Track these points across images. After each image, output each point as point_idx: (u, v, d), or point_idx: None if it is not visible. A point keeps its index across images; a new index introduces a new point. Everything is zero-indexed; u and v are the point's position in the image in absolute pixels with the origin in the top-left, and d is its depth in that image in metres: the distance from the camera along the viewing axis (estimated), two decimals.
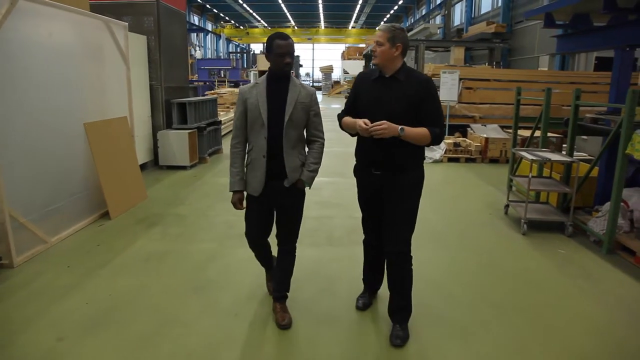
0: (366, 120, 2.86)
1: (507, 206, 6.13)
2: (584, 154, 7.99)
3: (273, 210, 3.28)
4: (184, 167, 8.59)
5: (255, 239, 3.36)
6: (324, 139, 3.29)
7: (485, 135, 10.25)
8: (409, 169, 3.04)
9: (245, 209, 3.26)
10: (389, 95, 2.94)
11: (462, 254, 4.78)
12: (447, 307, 3.65)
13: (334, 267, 4.36)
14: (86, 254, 4.61)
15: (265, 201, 3.17)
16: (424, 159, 3.18)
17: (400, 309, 3.22)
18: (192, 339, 3.14)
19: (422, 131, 2.88)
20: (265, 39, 3.12)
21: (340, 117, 3.23)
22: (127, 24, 6.60)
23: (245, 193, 3.23)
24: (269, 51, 3.04)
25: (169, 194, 6.94)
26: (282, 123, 3.04)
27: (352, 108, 3.14)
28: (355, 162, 3.25)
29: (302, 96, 3.11)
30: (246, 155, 3.20)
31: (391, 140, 2.86)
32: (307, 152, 3.25)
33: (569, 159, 5.47)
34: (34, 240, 4.55)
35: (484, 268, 4.44)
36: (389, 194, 3.05)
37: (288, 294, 3.44)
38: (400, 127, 2.80)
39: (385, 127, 2.78)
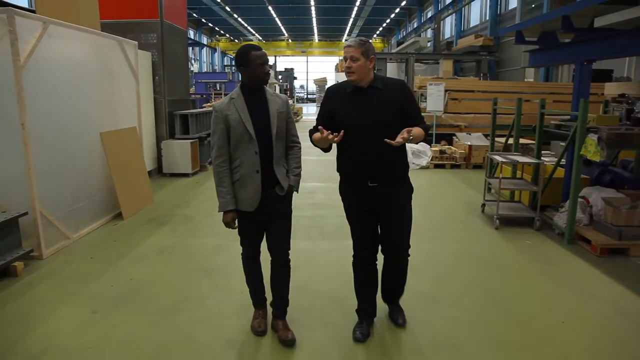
0: (321, 128, 2.91)
1: (483, 205, 6.76)
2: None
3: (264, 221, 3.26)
4: (186, 175, 9.18)
5: (256, 255, 3.37)
6: (300, 143, 3.34)
7: (469, 143, 10.91)
8: (404, 177, 3.15)
9: (237, 228, 3.24)
10: (373, 104, 2.97)
11: (440, 244, 5.39)
12: (423, 285, 4.24)
13: (326, 256, 4.96)
14: (105, 247, 5.19)
15: (258, 214, 3.13)
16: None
17: (395, 294, 3.58)
18: (205, 310, 3.73)
19: (420, 130, 2.93)
20: None
21: (311, 133, 3.19)
22: (137, 42, 7.23)
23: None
24: (244, 64, 2.99)
25: (174, 198, 7.53)
26: (270, 136, 3.05)
27: (326, 123, 3.08)
28: (340, 179, 3.27)
29: (279, 105, 3.12)
30: (232, 172, 3.12)
31: (386, 150, 2.89)
32: (288, 157, 3.28)
33: (535, 161, 6.11)
34: (59, 236, 5.12)
35: (458, 256, 5.05)
36: (388, 204, 3.10)
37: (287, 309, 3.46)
38: (408, 130, 2.85)
39: (412, 133, 2.83)
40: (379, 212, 3.14)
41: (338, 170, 3.22)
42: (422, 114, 3.24)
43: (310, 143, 3.21)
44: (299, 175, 3.29)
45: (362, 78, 2.99)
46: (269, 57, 3.14)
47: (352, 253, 3.35)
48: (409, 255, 3.40)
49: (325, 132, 2.87)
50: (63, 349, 3.18)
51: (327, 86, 44.40)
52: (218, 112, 3.05)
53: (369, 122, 2.92)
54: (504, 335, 3.42)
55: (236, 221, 3.17)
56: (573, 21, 5.55)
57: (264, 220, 3.20)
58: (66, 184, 5.34)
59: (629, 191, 5.89)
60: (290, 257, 3.35)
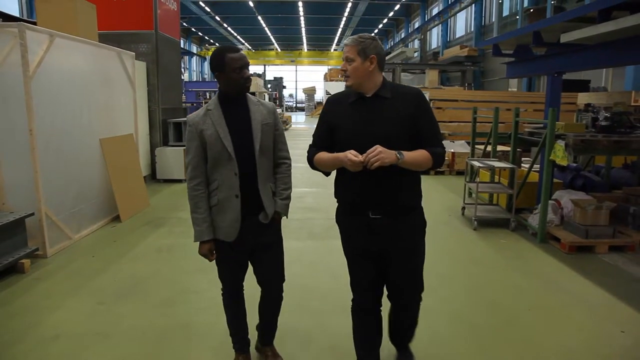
0: (353, 152, 2.31)
1: (463, 208, 7.15)
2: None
3: (248, 253, 2.84)
4: (179, 181, 9.45)
5: (239, 291, 2.96)
6: (290, 159, 2.92)
7: (452, 150, 11.34)
8: (413, 208, 2.59)
9: (216, 259, 2.80)
10: (377, 117, 2.42)
11: None
12: None
13: (313, 254, 5.32)
14: (106, 247, 5.49)
15: (241, 244, 2.71)
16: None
17: (404, 339, 3.01)
18: (203, 302, 4.06)
19: (422, 154, 2.40)
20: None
21: (311, 154, 2.63)
22: (134, 53, 7.57)
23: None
24: (220, 69, 2.56)
25: (168, 202, 7.83)
26: (253, 153, 2.64)
27: (328, 141, 2.57)
28: (337, 207, 2.69)
29: (265, 116, 2.70)
30: (210, 195, 2.70)
31: (389, 173, 2.36)
32: (276, 177, 2.86)
33: (510, 166, 6.52)
34: (61, 236, 5.40)
35: (437, 253, 5.40)
36: (394, 243, 2.53)
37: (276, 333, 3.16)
38: (397, 152, 2.32)
39: (380, 150, 2.27)
40: (382, 251, 2.57)
41: (335, 196, 2.66)
42: None
43: (308, 164, 2.69)
44: (287, 198, 2.84)
45: (361, 83, 2.44)
46: (251, 64, 2.75)
47: (351, 297, 2.78)
48: (420, 300, 2.81)
49: (363, 156, 2.30)
50: (74, 335, 3.48)
51: (315, 95, 45.19)
52: (192, 127, 2.62)
53: (370, 140, 2.33)
54: (474, 319, 3.79)
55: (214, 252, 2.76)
56: (543, 36, 5.99)
57: (246, 252, 2.81)
58: (68, 187, 5.63)
59: (597, 194, 6.33)
60: (283, 291, 3.02)
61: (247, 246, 2.75)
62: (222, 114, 2.62)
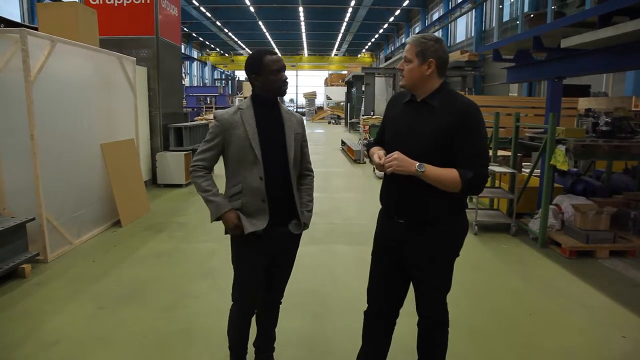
0: (380, 153, 2.35)
1: None
2: None
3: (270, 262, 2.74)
4: (180, 185, 9.48)
5: (252, 310, 2.84)
6: (313, 172, 2.92)
7: None
8: (442, 219, 2.37)
9: (238, 259, 2.71)
10: (417, 124, 2.33)
11: None
12: None
13: (313, 258, 5.32)
14: (106, 252, 5.49)
15: (267, 249, 2.65)
16: (465, 206, 2.48)
17: None
18: (203, 306, 4.06)
19: (449, 173, 2.22)
20: None
21: (369, 147, 2.66)
22: (135, 58, 7.60)
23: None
24: (257, 72, 2.55)
25: (169, 207, 7.84)
26: (282, 159, 2.59)
27: (381, 137, 2.56)
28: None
29: (295, 125, 2.69)
30: (231, 198, 2.60)
31: (411, 182, 2.27)
32: (300, 188, 2.80)
33: (510, 170, 6.53)
34: (62, 241, 5.40)
35: None
36: (415, 252, 2.41)
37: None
38: (418, 163, 2.21)
39: (396, 157, 2.22)
40: (400, 257, 2.49)
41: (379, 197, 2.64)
42: None
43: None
44: (311, 211, 2.82)
45: (415, 85, 2.33)
46: None
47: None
48: (447, 323, 2.63)
49: (383, 159, 2.30)
50: (74, 339, 3.48)
51: (316, 100, 45.25)
52: (219, 123, 2.56)
53: (407, 146, 2.28)
54: (475, 324, 3.79)
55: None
56: (543, 41, 6.00)
57: (268, 260, 2.71)
58: (69, 192, 5.64)
59: (597, 199, 6.32)
60: (282, 297, 3.02)
61: (270, 254, 2.69)
62: (254, 115, 2.58)
